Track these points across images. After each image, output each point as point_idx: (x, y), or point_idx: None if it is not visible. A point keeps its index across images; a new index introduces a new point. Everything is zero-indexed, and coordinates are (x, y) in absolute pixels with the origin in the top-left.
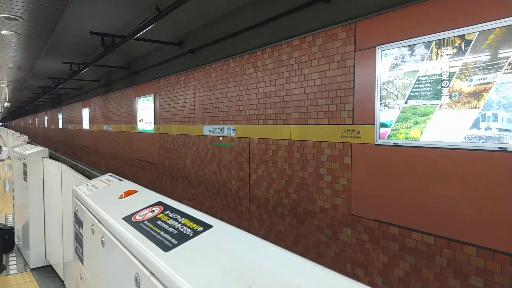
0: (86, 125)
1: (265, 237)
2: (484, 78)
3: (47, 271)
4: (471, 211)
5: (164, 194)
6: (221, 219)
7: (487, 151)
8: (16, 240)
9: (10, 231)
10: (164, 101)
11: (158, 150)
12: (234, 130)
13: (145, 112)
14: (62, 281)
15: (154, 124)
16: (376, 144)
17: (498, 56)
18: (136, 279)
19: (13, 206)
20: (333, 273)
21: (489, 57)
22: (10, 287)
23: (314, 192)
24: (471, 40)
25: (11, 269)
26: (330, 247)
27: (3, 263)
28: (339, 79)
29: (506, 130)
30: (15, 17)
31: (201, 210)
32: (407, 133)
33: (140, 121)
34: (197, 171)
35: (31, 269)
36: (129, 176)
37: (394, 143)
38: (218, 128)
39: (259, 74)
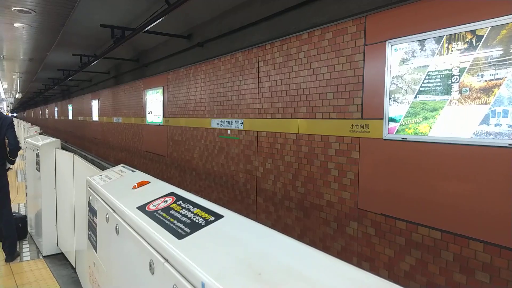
0: (95, 116)
1: None
2: (495, 74)
3: (59, 259)
4: (479, 206)
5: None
6: None
7: (496, 147)
8: (29, 228)
9: (23, 219)
10: (173, 93)
11: (166, 142)
12: (242, 123)
13: (154, 104)
14: (74, 269)
15: (163, 117)
16: (384, 139)
17: (510, 51)
18: (150, 265)
19: (26, 195)
20: (341, 262)
21: (501, 52)
22: (24, 273)
23: (321, 186)
24: (483, 36)
25: (25, 256)
26: (337, 241)
27: (17, 250)
28: (348, 73)
29: None
30: (27, 10)
31: None
32: (416, 128)
33: (149, 113)
34: (205, 164)
35: (44, 257)
36: (138, 168)
37: (402, 138)
38: (226, 121)
39: (268, 67)
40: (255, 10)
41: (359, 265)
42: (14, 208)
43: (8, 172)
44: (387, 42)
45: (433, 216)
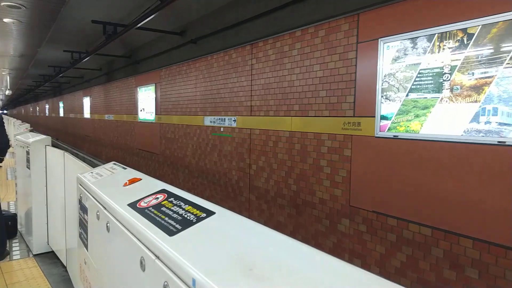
0: (87, 114)
1: None
2: (485, 72)
3: (49, 257)
4: (469, 203)
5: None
6: None
7: (486, 145)
8: (19, 226)
9: (13, 217)
10: (166, 91)
11: (159, 139)
12: (235, 121)
13: (146, 101)
14: (65, 267)
15: (155, 114)
16: (376, 137)
17: (500, 50)
18: (141, 262)
19: (16, 193)
20: (332, 258)
21: (491, 51)
22: (14, 272)
23: (313, 183)
24: (474, 34)
25: (15, 255)
26: (328, 238)
27: (7, 248)
28: (341, 71)
29: (505, 124)
30: (17, 5)
31: None
32: (408, 126)
33: (141, 110)
34: (198, 161)
35: (34, 255)
36: (130, 166)
37: (394, 136)
38: (219, 118)
39: (261, 65)
40: (248, 7)
41: (350, 261)
42: (3, 206)
43: None
44: (379, 40)
45: (424, 213)
